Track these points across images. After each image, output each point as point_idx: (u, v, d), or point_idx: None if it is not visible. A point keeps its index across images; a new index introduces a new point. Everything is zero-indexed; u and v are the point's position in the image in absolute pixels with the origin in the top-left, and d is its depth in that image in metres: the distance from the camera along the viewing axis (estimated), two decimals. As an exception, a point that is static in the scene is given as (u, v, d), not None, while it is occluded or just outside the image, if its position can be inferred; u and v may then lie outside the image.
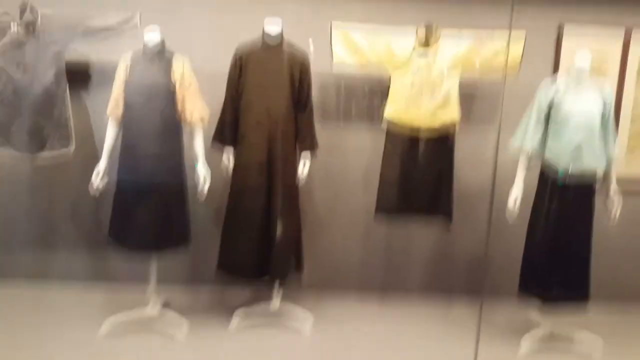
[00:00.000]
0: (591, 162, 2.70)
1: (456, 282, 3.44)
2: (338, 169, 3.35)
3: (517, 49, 2.92)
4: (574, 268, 2.81)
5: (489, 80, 3.16)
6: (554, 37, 3.24)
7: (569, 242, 2.78)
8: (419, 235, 3.38)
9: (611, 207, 2.84)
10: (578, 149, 2.67)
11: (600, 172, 2.77)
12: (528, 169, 2.83)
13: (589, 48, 2.94)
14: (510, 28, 2.51)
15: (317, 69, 3.01)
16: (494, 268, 3.12)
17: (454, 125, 2.99)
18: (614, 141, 2.79)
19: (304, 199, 3.18)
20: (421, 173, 3.02)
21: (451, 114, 2.97)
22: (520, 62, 2.94)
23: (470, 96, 3.22)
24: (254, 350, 2.77)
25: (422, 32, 2.90)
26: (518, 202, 2.82)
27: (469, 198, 3.24)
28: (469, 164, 3.21)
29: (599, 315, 3.19)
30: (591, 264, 2.84)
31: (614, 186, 2.84)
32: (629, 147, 3.32)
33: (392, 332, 3.03)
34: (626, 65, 3.24)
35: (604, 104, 2.74)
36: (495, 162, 2.35)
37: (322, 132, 3.10)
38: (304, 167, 2.93)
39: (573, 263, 2.81)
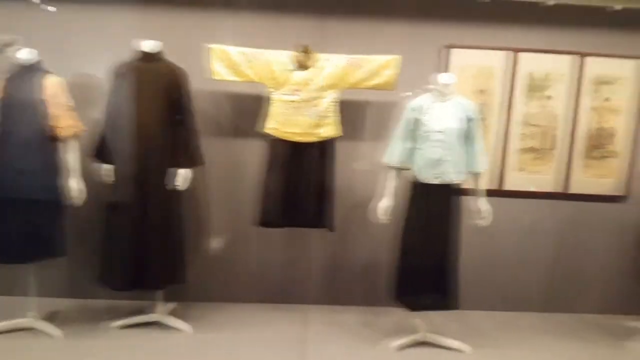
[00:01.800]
0: (452, 176, 2.78)
1: (343, 292, 3.48)
2: (228, 181, 3.36)
3: (392, 71, 3.02)
4: (440, 277, 2.86)
5: (376, 99, 3.26)
6: (443, 57, 3.31)
7: (435, 251, 2.83)
8: (303, 247, 3.42)
9: (478, 216, 2.93)
10: (438, 163, 2.76)
11: (468, 183, 2.86)
12: (399, 180, 2.91)
13: (475, 66, 3.20)
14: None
15: (204, 85, 3.08)
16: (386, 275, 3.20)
17: (333, 140, 3.07)
18: (480, 155, 2.87)
19: (191, 211, 3.23)
20: (302, 186, 3.06)
21: (331, 130, 3.03)
22: (396, 82, 3.02)
23: (354, 113, 3.29)
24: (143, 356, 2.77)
25: (299, 54, 2.98)
26: (388, 213, 2.90)
27: (352, 209, 3.32)
28: (351, 176, 3.31)
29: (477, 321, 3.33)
30: (459, 272, 2.91)
31: (481, 198, 2.92)
32: (521, 161, 3.41)
33: (280, 336, 3.03)
34: (514, 83, 3.33)
35: (467, 120, 2.83)
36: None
37: (209, 146, 3.14)
38: (183, 182, 2.93)
39: (439, 272, 2.86)
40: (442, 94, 2.82)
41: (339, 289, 3.50)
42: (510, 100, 3.34)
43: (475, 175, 2.91)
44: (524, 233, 3.51)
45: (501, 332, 3.26)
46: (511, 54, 3.30)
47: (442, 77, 2.82)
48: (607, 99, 3.36)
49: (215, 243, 3.42)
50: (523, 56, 3.31)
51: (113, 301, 3.26)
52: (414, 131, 2.83)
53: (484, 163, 2.89)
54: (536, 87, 3.35)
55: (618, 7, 3.23)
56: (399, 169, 2.90)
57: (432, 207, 2.81)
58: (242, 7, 3.21)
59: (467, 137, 2.86)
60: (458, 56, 3.29)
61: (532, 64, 3.31)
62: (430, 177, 2.78)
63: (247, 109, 3.24)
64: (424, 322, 3.05)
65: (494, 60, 3.31)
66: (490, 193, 3.38)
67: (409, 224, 2.87)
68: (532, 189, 3.44)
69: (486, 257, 3.51)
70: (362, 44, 3.18)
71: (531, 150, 3.40)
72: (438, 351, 2.97)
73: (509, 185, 3.42)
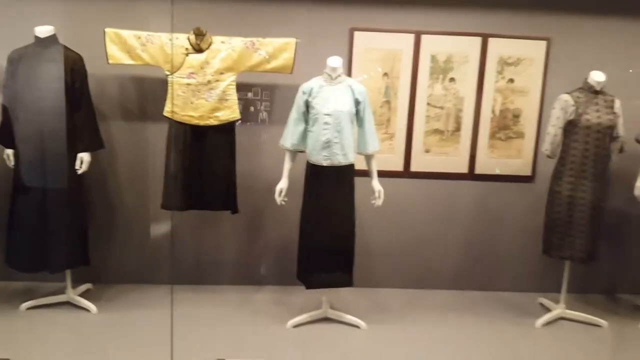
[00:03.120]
0: (340, 158, 2.78)
1: (257, 272, 3.50)
2: (138, 165, 3.36)
3: (289, 54, 3.00)
4: (335, 255, 2.87)
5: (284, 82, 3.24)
6: (346, 40, 3.29)
7: (329, 230, 2.84)
8: (216, 228, 3.44)
9: (374, 196, 2.95)
10: (328, 145, 2.76)
11: (363, 162, 2.88)
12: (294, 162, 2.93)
13: (380, 49, 3.19)
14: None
15: (111, 70, 3.05)
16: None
17: (233, 122, 3.06)
18: (371, 137, 2.88)
19: (97, 195, 3.27)
20: (203, 169, 3.05)
21: (230, 112, 3.02)
22: (293, 64, 3.00)
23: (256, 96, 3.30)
24: (42, 335, 2.79)
25: (193, 37, 2.95)
26: (283, 193, 2.90)
27: (266, 191, 3.28)
28: (261, 159, 3.32)
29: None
30: (354, 250, 2.93)
31: (375, 178, 2.93)
32: (427, 143, 3.40)
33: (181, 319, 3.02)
34: (418, 65, 3.33)
35: (357, 103, 2.83)
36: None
37: (117, 130, 3.19)
38: (82, 165, 2.92)
39: (334, 251, 2.87)
40: (331, 77, 2.82)
41: (252, 269, 3.52)
42: (414, 82, 3.35)
43: (368, 157, 2.93)
44: (434, 213, 3.54)
45: (409, 309, 3.31)
46: (415, 36, 3.28)
47: (331, 61, 2.81)
48: (511, 80, 3.36)
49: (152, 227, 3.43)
50: (426, 39, 3.29)
51: (33, 283, 3.27)
52: (306, 114, 2.84)
53: (374, 144, 2.90)
54: (440, 69, 3.34)
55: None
56: (294, 151, 2.92)
57: (326, 188, 2.83)
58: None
59: (358, 119, 2.88)
60: (363, 39, 3.27)
61: (435, 46, 3.31)
62: (321, 159, 2.79)
63: (155, 92, 3.21)
64: (336, 299, 3.12)
65: (399, 42, 3.30)
66: (398, 174, 3.46)
67: (306, 204, 2.91)
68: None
69: (398, 237, 3.54)
70: (266, 26, 3.14)
71: (436, 132, 3.41)
72: (336, 327, 3.01)
73: (416, 167, 3.43)
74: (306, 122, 2.85)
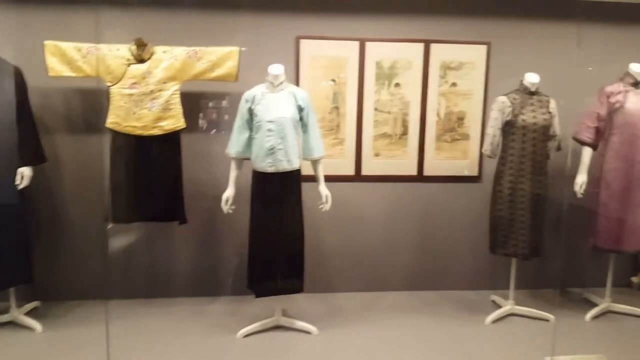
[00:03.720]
0: (285, 164, 2.77)
1: (211, 283, 3.43)
2: (76, 178, 3.26)
3: (233, 62, 2.99)
4: (284, 262, 2.85)
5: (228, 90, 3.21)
6: (293, 48, 3.30)
7: (277, 237, 2.82)
8: (170, 240, 3.37)
9: (321, 201, 2.95)
10: (272, 152, 2.75)
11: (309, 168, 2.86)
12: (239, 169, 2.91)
13: (326, 56, 3.21)
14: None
15: (53, 83, 2.99)
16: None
17: (178, 132, 3.02)
18: (316, 142, 2.88)
19: (42, 209, 3.16)
20: (149, 180, 2.99)
21: (174, 122, 2.98)
22: (237, 73, 2.98)
23: (205, 104, 3.27)
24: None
25: (134, 48, 2.91)
26: (230, 202, 2.88)
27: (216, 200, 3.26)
28: (201, 168, 3.27)
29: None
30: (303, 256, 2.91)
31: (321, 183, 2.93)
32: (376, 147, 3.42)
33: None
34: (364, 71, 3.35)
35: (300, 109, 2.83)
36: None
37: (61, 143, 3.11)
38: (23, 180, 2.82)
39: (283, 258, 2.85)
40: (274, 84, 2.83)
41: (206, 280, 3.46)
42: (361, 88, 3.38)
43: (315, 162, 2.94)
44: (386, 215, 3.56)
45: (362, 312, 3.30)
46: (360, 43, 3.31)
47: (272, 69, 2.81)
48: (454, 84, 3.44)
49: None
50: (371, 45, 3.33)
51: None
52: (250, 121, 2.83)
53: (319, 150, 2.90)
54: (385, 75, 3.38)
55: (459, -5, 3.35)
56: (240, 159, 2.90)
57: (272, 195, 2.81)
58: (81, 3, 3.10)
59: (302, 125, 2.88)
60: (309, 47, 3.29)
61: (379, 53, 3.35)
62: (265, 165, 2.77)
63: (98, 104, 3.12)
64: (291, 306, 3.12)
65: (344, 50, 3.32)
66: (350, 179, 3.48)
67: (253, 212, 2.88)
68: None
69: (352, 241, 3.54)
70: (214, 35, 3.11)
71: (385, 136, 3.45)
72: (287, 334, 2.97)
73: (366, 171, 3.45)
74: (250, 129, 2.84)
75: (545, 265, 3.73)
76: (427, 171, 3.49)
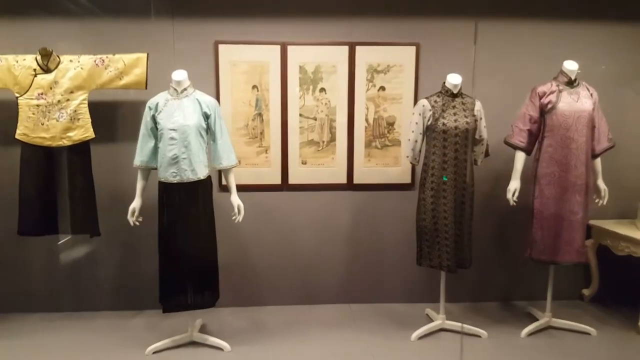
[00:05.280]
0: (189, 174, 2.60)
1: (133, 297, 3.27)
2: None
3: (141, 69, 2.84)
4: (195, 276, 2.67)
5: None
6: (212, 54, 3.13)
7: (186, 250, 2.64)
8: (92, 253, 3.22)
9: (233, 212, 2.77)
10: (175, 161, 2.59)
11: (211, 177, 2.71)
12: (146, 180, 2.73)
13: (247, 61, 3.04)
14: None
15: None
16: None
17: (87, 142, 2.87)
18: (224, 151, 2.70)
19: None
20: (59, 192, 2.86)
21: (83, 132, 2.84)
22: (146, 80, 2.84)
23: (112, 113, 3.12)
24: None
25: (39, 57, 2.79)
26: (136, 213, 2.72)
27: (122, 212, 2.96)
28: (116, 179, 3.12)
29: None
30: (216, 269, 2.76)
31: (233, 193, 2.74)
32: (302, 154, 3.19)
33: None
34: (287, 76, 3.16)
35: (206, 117, 2.66)
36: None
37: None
38: None
39: (194, 271, 2.67)
40: (177, 91, 2.66)
41: (130, 294, 3.28)
42: (284, 94, 3.19)
43: (225, 171, 2.76)
44: (316, 226, 3.35)
45: (285, 327, 3.09)
46: (281, 47, 3.13)
47: (175, 75, 2.66)
48: (382, 88, 3.22)
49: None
50: (293, 49, 3.15)
51: None
52: (155, 130, 2.67)
53: (229, 159, 2.73)
54: (309, 80, 3.19)
55: (386, -5, 3.15)
56: (146, 169, 2.73)
57: (177, 206, 2.64)
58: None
59: (210, 133, 2.72)
60: (228, 52, 3.12)
61: (302, 57, 3.16)
62: (169, 175, 2.61)
63: (6, 115, 2.97)
64: (213, 320, 2.98)
65: (265, 54, 3.14)
66: (276, 188, 3.28)
67: (160, 224, 2.70)
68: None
69: (280, 252, 3.34)
70: (131, 43, 2.97)
71: (312, 143, 3.24)
72: (199, 350, 2.78)
73: (294, 179, 3.25)
74: (156, 138, 2.68)
75: (487, 277, 3.48)
76: (358, 179, 3.28)
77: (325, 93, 3.21)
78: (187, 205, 2.65)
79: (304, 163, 3.26)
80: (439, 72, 3.09)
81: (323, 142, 3.25)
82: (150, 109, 2.67)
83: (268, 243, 3.32)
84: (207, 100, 2.71)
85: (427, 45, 3.21)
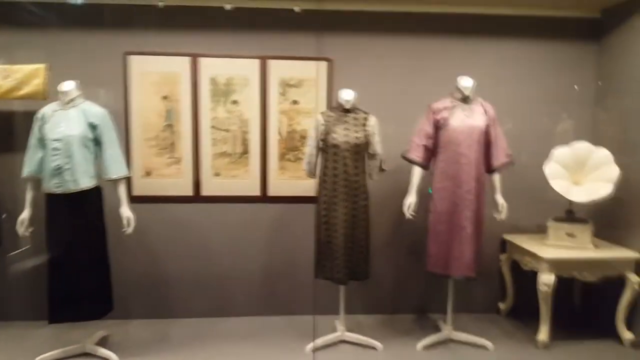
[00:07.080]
0: (71, 185, 2.51)
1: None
2: None
3: (41, 79, 2.76)
4: (83, 287, 2.56)
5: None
6: (121, 65, 3.05)
7: (74, 261, 2.53)
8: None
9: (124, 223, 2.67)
10: (59, 172, 2.50)
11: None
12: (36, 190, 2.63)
13: (157, 72, 2.98)
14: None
15: None
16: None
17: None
18: (113, 162, 2.59)
19: None
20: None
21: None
22: (46, 90, 2.76)
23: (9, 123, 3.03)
24: None
25: None
26: (25, 224, 2.61)
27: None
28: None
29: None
30: (109, 280, 2.67)
31: (124, 204, 2.64)
32: (215, 166, 3.13)
33: None
34: (198, 87, 3.08)
35: (93, 127, 2.56)
36: None
37: None
38: None
39: (82, 283, 2.56)
40: (64, 101, 2.58)
41: (38, 302, 3.07)
42: (195, 105, 3.12)
43: (116, 182, 2.66)
44: (229, 237, 3.26)
45: (188, 340, 2.97)
46: (192, 59, 3.07)
47: (61, 85, 2.58)
48: (295, 102, 3.16)
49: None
50: (204, 61, 3.09)
51: None
52: (43, 141, 2.58)
53: (118, 170, 2.64)
54: (221, 92, 3.12)
55: (297, 9, 3.05)
56: (35, 180, 2.62)
57: (61, 217, 2.55)
58: None
59: (97, 144, 2.61)
60: (138, 62, 3.05)
61: (214, 69, 3.10)
62: (52, 186, 2.52)
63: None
64: (119, 332, 2.90)
65: (176, 65, 3.08)
66: (188, 199, 3.19)
67: (47, 233, 2.59)
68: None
69: (193, 264, 3.24)
70: (41, 53, 2.87)
71: (224, 154, 3.16)
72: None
73: (206, 191, 3.17)
74: (44, 148, 2.57)
75: (404, 288, 3.39)
76: (271, 191, 3.20)
77: (238, 105, 3.13)
78: (73, 215, 2.55)
79: (217, 175, 3.18)
80: (351, 87, 2.91)
81: (236, 154, 3.17)
82: (37, 119, 2.59)
83: (180, 255, 3.23)
84: (95, 110, 2.62)
85: (340, 60, 3.15)
